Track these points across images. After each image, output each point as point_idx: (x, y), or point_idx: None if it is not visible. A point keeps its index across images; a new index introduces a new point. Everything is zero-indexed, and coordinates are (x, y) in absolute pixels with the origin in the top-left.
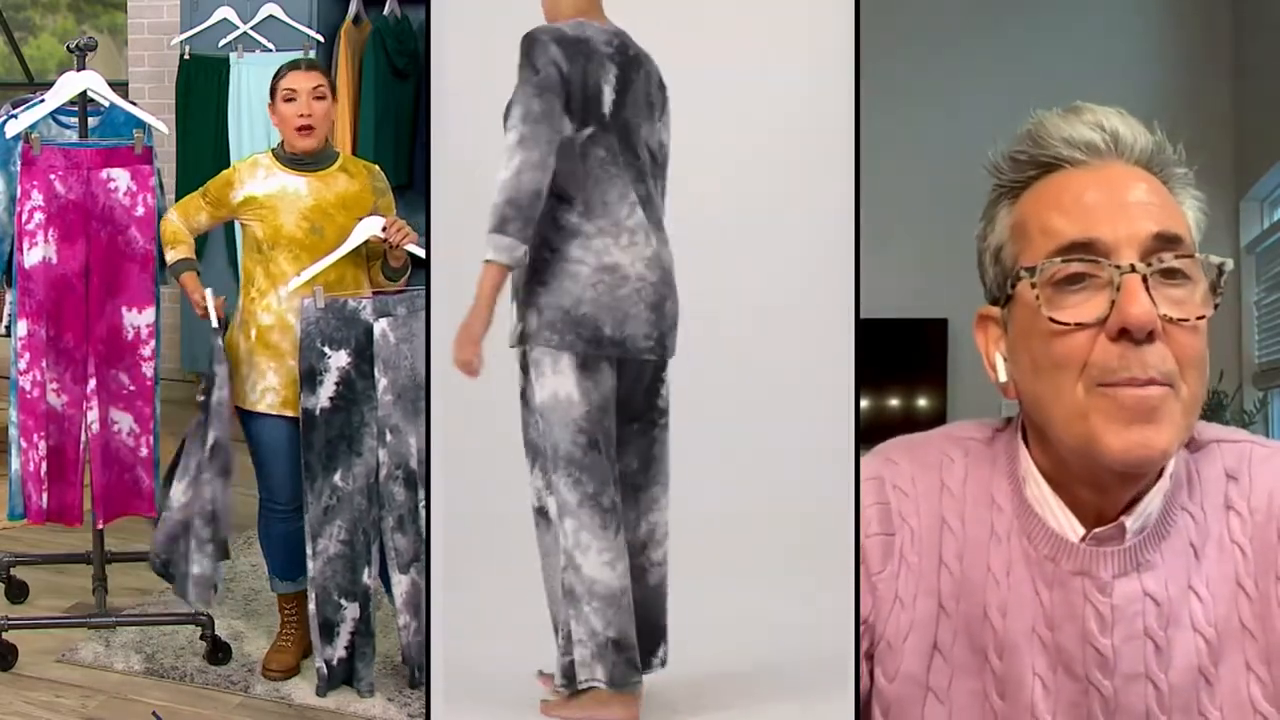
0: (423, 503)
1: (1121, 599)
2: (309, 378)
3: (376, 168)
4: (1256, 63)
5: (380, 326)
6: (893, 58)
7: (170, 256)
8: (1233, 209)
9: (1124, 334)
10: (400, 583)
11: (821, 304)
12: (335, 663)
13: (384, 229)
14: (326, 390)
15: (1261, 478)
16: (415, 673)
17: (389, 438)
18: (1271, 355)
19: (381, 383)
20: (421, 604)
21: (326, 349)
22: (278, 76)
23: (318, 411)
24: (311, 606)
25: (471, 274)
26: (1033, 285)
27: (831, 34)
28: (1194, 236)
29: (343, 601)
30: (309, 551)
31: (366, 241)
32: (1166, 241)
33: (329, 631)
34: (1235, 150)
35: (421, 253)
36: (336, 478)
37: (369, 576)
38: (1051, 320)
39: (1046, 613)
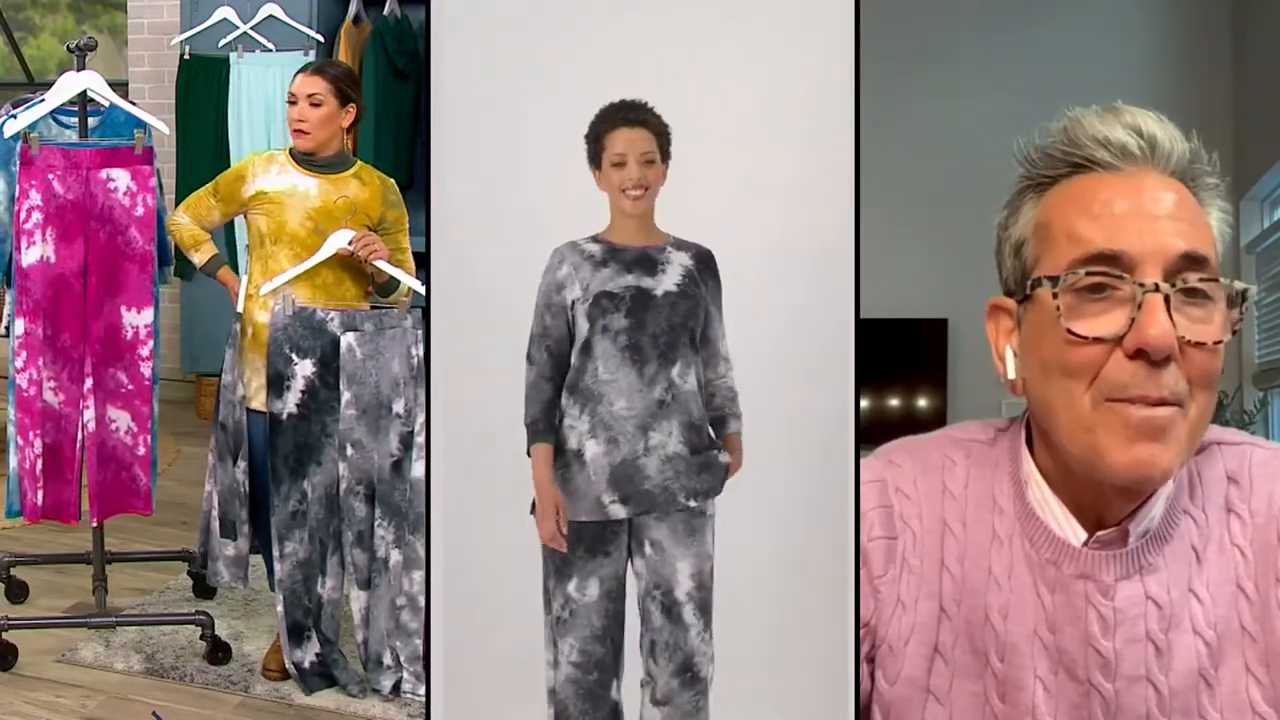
0: (380, 521)
1: (1124, 602)
2: (276, 382)
3: (391, 181)
4: (1256, 63)
5: (347, 340)
6: (893, 57)
7: (199, 258)
8: (1233, 209)
9: (1141, 354)
10: (359, 598)
11: (821, 304)
12: (307, 665)
13: (351, 242)
14: (293, 396)
15: (1262, 480)
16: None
17: (350, 451)
18: (1271, 355)
19: (344, 396)
20: (374, 618)
21: (294, 356)
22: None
23: (284, 416)
24: (279, 609)
25: (471, 274)
26: (1054, 295)
27: (831, 33)
28: (1217, 249)
29: (311, 606)
30: (275, 554)
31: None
32: (1193, 262)
33: (297, 634)
34: (1235, 150)
35: (390, 270)
36: (304, 484)
37: (323, 587)
38: (1069, 332)
39: (1048, 615)
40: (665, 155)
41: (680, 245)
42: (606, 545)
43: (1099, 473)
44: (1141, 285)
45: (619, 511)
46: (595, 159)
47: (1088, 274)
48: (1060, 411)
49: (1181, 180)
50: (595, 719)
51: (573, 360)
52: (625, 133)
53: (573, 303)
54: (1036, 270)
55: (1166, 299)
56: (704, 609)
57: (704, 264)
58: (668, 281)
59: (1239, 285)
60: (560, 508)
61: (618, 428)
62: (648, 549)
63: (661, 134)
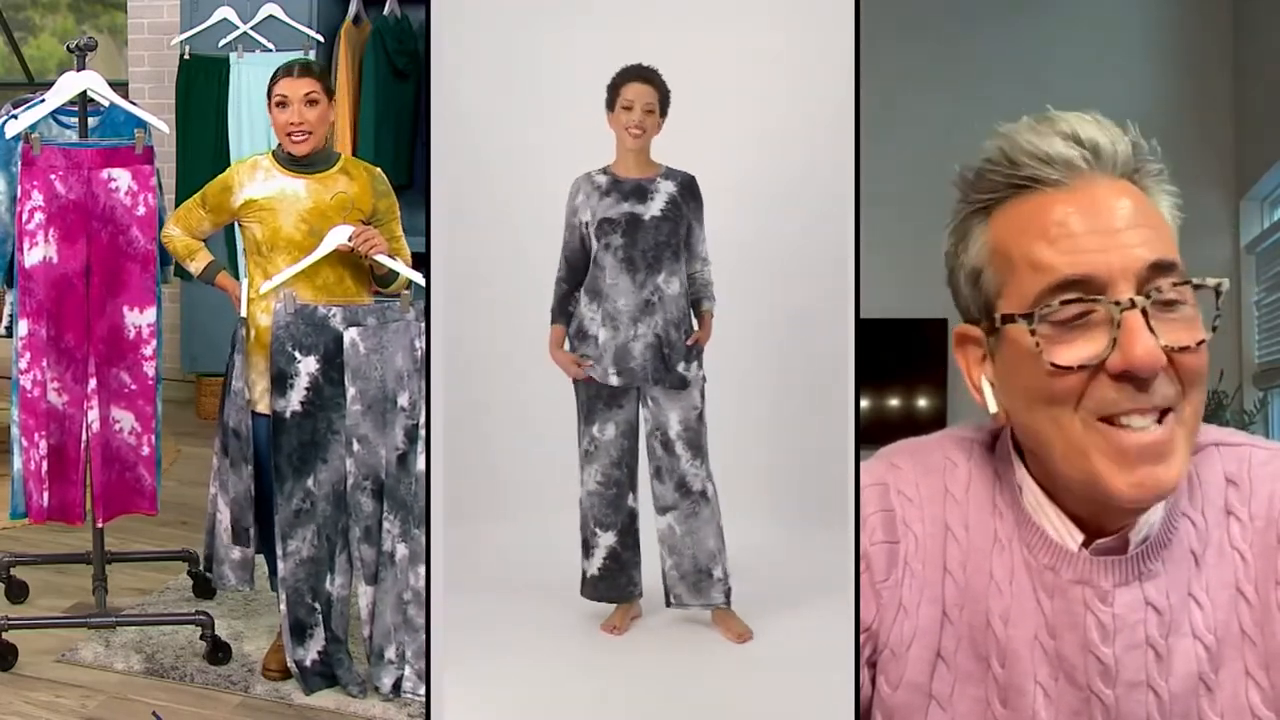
0: (388, 515)
1: (1123, 608)
2: (279, 381)
3: (378, 171)
4: (1256, 63)
5: (350, 336)
6: (894, 57)
7: (195, 266)
8: (1233, 209)
9: (1127, 373)
10: (365, 593)
11: (821, 304)
12: (309, 663)
13: (351, 238)
14: (297, 394)
15: (1261, 482)
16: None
17: (356, 447)
18: (1271, 355)
19: (350, 392)
20: (379, 613)
21: (296, 353)
22: (273, 80)
23: (288, 415)
24: (282, 607)
25: (471, 274)
26: (1032, 332)
27: (831, 33)
28: (1175, 244)
29: (316, 604)
30: (279, 552)
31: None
32: (1162, 270)
33: (300, 632)
34: (1235, 150)
35: (390, 263)
36: (309, 482)
37: (331, 584)
38: (1053, 365)
39: (1048, 621)
40: (664, 110)
41: (669, 175)
42: (620, 400)
43: (1101, 497)
44: (1117, 303)
45: (614, 380)
46: (611, 104)
47: (1062, 304)
48: (1052, 438)
49: (1130, 179)
50: (616, 519)
51: (590, 268)
52: (636, 85)
53: (584, 224)
54: (1001, 299)
55: (1145, 313)
56: (690, 444)
57: (686, 189)
58: (654, 208)
59: (1211, 281)
60: (577, 361)
61: (618, 319)
62: (650, 403)
63: (663, 92)
